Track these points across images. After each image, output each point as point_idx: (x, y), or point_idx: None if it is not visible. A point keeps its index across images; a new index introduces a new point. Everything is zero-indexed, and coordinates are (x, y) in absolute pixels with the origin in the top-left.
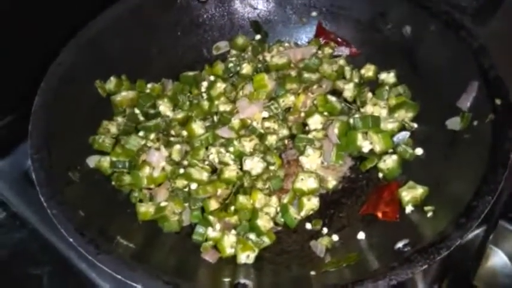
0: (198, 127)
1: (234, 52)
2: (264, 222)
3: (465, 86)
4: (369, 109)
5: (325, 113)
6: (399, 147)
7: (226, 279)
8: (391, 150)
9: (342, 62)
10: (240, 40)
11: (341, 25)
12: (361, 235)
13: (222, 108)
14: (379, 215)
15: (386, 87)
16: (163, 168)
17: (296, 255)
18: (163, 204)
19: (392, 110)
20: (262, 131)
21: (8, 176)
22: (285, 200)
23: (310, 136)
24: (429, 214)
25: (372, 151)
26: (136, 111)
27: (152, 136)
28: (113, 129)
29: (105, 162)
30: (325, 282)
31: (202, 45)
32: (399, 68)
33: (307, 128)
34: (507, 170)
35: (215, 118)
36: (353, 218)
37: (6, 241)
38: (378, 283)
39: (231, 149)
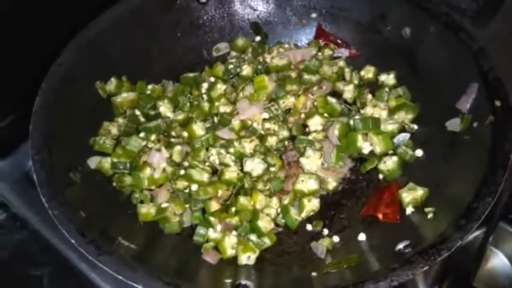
0: (198, 128)
1: (234, 53)
2: (264, 224)
3: (465, 88)
4: (369, 110)
5: (325, 115)
6: (399, 149)
7: (227, 280)
8: (391, 152)
9: (341, 63)
10: (240, 41)
11: (341, 27)
12: (361, 236)
13: (222, 109)
14: (380, 216)
15: (386, 89)
16: (164, 169)
17: (297, 256)
18: (164, 205)
19: (392, 112)
20: (262, 132)
21: (8, 177)
22: (286, 201)
23: (310, 137)
24: (429, 215)
25: (372, 152)
26: (137, 112)
27: (153, 137)
28: (114, 130)
29: (106, 163)
30: (326, 283)
31: (202, 46)
32: (399, 69)
33: (307, 129)
34: (507, 172)
35: (215, 119)
36: (353, 219)
37: (6, 242)
38: (379, 284)
39: (232, 150)
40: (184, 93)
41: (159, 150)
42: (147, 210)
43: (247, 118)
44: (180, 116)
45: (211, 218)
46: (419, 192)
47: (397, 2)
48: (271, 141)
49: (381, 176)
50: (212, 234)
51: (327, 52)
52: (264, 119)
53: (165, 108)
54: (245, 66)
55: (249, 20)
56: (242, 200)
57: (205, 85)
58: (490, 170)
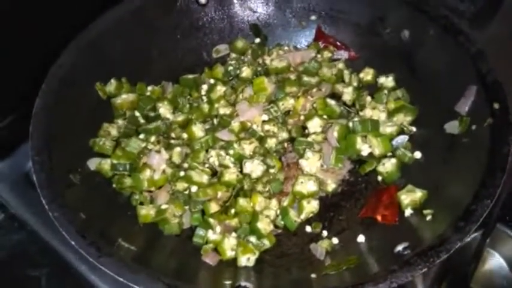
0: (198, 130)
1: (233, 55)
2: (264, 225)
3: (463, 90)
4: (368, 113)
5: (325, 116)
6: (398, 151)
7: (227, 282)
8: (390, 154)
9: (341, 65)
10: (240, 43)
11: (340, 29)
12: (360, 238)
13: (222, 111)
14: (379, 218)
15: (385, 91)
16: (163, 171)
17: (296, 258)
18: (163, 206)
19: (391, 114)
20: (262, 134)
21: (7, 178)
22: (285, 203)
23: (309, 139)
24: (428, 217)
25: (371, 154)
26: (137, 113)
27: (153, 139)
28: (114, 132)
29: (106, 164)
30: (326, 285)
31: (202, 48)
32: (398, 72)
33: (306, 131)
34: (505, 174)
35: (215, 121)
36: (353, 221)
37: (4, 243)
38: (378, 286)
39: (231, 151)
40: (184, 95)
41: (158, 151)
42: (146, 212)
43: (247, 120)
44: (180, 118)
45: (211, 220)
46: (418, 194)
47: (396, 4)
48: (271, 143)
49: (379, 178)
50: (212, 235)
51: (326, 54)
52: (264, 121)
53: (164, 110)
54: (245, 68)
55: (249, 22)
56: (241, 201)
57: (205, 87)
58: (488, 172)
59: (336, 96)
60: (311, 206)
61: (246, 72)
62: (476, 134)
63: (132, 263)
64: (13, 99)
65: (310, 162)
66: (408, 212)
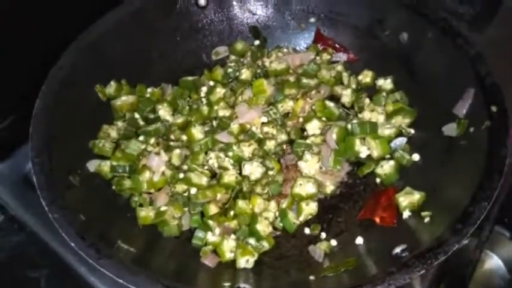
0: (197, 132)
1: (233, 57)
2: (263, 227)
3: (462, 93)
4: (366, 115)
5: (324, 119)
6: (396, 153)
7: (226, 284)
8: (388, 156)
9: (339, 68)
10: (239, 45)
11: (339, 31)
12: (359, 240)
13: (221, 113)
14: (377, 220)
15: (384, 93)
16: (163, 173)
17: (295, 260)
18: (163, 208)
19: (389, 116)
20: (261, 136)
21: (7, 179)
22: (284, 205)
23: (308, 141)
24: (426, 219)
25: (369, 156)
26: (136, 115)
27: (152, 141)
28: (113, 134)
29: (106, 166)
30: (324, 287)
31: (201, 50)
32: (396, 74)
33: (305, 133)
34: (503, 177)
35: (214, 123)
36: (351, 223)
37: (4, 244)
38: None
39: (230, 153)
40: (184, 97)
41: (158, 153)
42: (146, 214)
43: (246, 122)
44: (179, 120)
45: (210, 222)
46: (416, 196)
47: (395, 7)
48: (270, 145)
49: (378, 180)
50: (211, 237)
51: (325, 56)
52: (263, 123)
53: (164, 112)
54: (244, 70)
55: (248, 24)
56: (241, 203)
57: (204, 89)
58: (486, 174)
59: (335, 98)
60: (310, 208)
61: (245, 74)
62: (474, 137)
63: (131, 264)
64: (13, 100)
65: (309, 164)
66: (406, 214)
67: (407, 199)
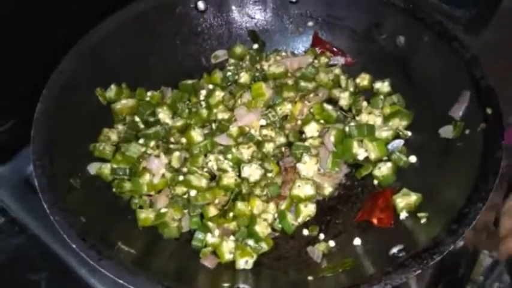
0: (197, 134)
1: (232, 61)
2: (262, 228)
3: (457, 96)
4: (364, 117)
5: (322, 121)
6: (393, 155)
7: (225, 284)
8: (385, 158)
9: (337, 71)
10: (238, 49)
11: (337, 35)
12: (357, 241)
13: (220, 116)
14: (375, 221)
15: (381, 96)
16: (163, 175)
17: (293, 261)
18: (163, 210)
19: (386, 119)
20: (260, 138)
21: (8, 182)
22: (283, 207)
23: (306, 144)
24: (423, 220)
25: (367, 159)
26: (137, 119)
27: (152, 143)
28: (114, 137)
29: (106, 169)
30: (322, 287)
31: (200, 53)
32: (393, 77)
33: (303, 135)
34: (498, 178)
35: (214, 126)
36: (349, 224)
37: (4, 247)
38: (373, 287)
39: (230, 156)
40: (183, 100)
41: (158, 156)
42: (146, 216)
43: (245, 125)
44: (179, 123)
45: (210, 223)
46: (413, 197)
47: (391, 11)
48: (269, 147)
49: (375, 182)
50: (210, 239)
51: (323, 60)
52: (262, 126)
53: (164, 115)
54: (243, 73)
55: (247, 28)
56: (240, 205)
57: (203, 92)
58: (481, 176)
59: (333, 101)
60: (308, 210)
61: (244, 77)
62: (469, 139)
63: (132, 266)
64: (14, 103)
65: (308, 166)
66: (403, 215)
67: (404, 200)
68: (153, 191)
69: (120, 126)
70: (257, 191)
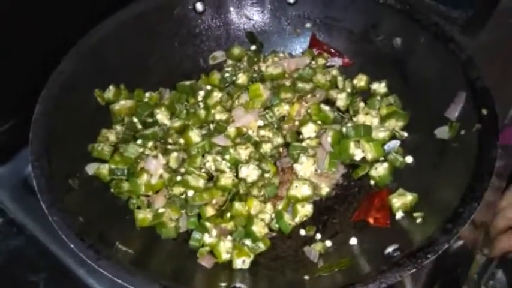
0: (194, 135)
1: (230, 62)
2: (259, 228)
3: (453, 97)
4: (360, 118)
5: (319, 122)
6: (390, 156)
7: (222, 284)
8: (382, 158)
9: (335, 72)
10: (236, 50)
11: (334, 36)
12: (353, 241)
13: (218, 117)
14: (371, 221)
15: (378, 97)
16: (161, 176)
17: (290, 261)
18: (160, 210)
19: (383, 119)
20: (257, 139)
21: (7, 183)
22: (280, 207)
23: (304, 144)
24: (418, 220)
25: (363, 159)
26: (135, 119)
27: (150, 144)
28: (112, 138)
29: (104, 169)
30: (318, 286)
31: (199, 55)
32: (390, 78)
33: (301, 136)
34: (492, 178)
35: (211, 126)
36: (345, 224)
37: (2, 247)
38: (368, 286)
39: (227, 156)
40: (181, 101)
41: (156, 156)
42: (144, 216)
43: (243, 125)
44: (177, 123)
45: (207, 223)
46: (409, 197)
47: (388, 12)
48: (266, 148)
49: (372, 182)
50: (208, 239)
51: (321, 61)
52: (259, 126)
53: (162, 116)
54: (241, 74)
55: (245, 30)
56: (237, 205)
57: (201, 93)
58: (476, 176)
59: (330, 102)
60: (305, 210)
61: (242, 78)
62: (465, 139)
63: (130, 265)
64: (14, 104)
65: (305, 167)
66: (399, 215)
67: (400, 200)
68: (151, 192)
69: (118, 127)
70: (254, 192)
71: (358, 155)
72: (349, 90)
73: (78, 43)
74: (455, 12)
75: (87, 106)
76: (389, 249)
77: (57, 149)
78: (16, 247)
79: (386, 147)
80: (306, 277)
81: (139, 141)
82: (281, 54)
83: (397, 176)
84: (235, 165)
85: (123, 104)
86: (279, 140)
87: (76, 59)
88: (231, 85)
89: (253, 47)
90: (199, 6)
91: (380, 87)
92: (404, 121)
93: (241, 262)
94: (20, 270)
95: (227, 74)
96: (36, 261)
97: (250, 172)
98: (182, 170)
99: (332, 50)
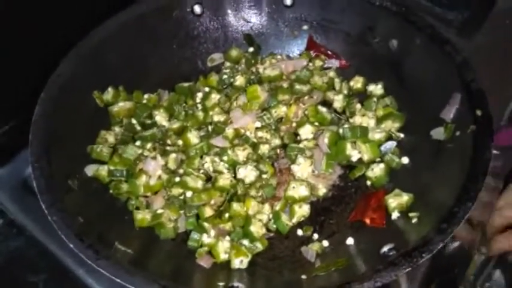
0: (193, 137)
1: (228, 64)
2: (256, 229)
3: (448, 98)
4: (357, 119)
5: (316, 123)
6: (386, 156)
7: (221, 283)
8: (378, 159)
9: (332, 74)
10: (234, 52)
11: (331, 38)
12: (349, 241)
13: (216, 118)
14: (367, 221)
15: (374, 99)
16: (159, 177)
17: (288, 261)
18: (159, 211)
19: (379, 121)
20: (255, 140)
21: (7, 184)
22: (277, 207)
23: (301, 145)
24: (414, 220)
25: (360, 160)
26: (133, 121)
27: (149, 145)
28: (111, 139)
29: (103, 171)
30: (315, 285)
31: (197, 57)
32: (386, 80)
33: (298, 137)
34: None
35: (210, 128)
36: (342, 225)
37: (2, 248)
38: (364, 285)
39: (225, 158)
40: (180, 103)
41: (154, 158)
42: (143, 216)
43: (241, 127)
44: (175, 125)
45: (205, 224)
46: (405, 198)
47: (385, 14)
48: (264, 149)
49: (368, 183)
50: (206, 239)
51: (318, 63)
52: (257, 128)
53: (160, 117)
54: (238, 76)
55: (243, 32)
56: (235, 206)
57: (199, 95)
58: (470, 176)
59: (327, 103)
60: (302, 210)
61: (239, 80)
62: (460, 140)
63: (129, 265)
64: (13, 105)
65: (302, 168)
66: (395, 215)
67: (396, 201)
68: (149, 192)
69: (117, 129)
70: (252, 192)
71: (354, 156)
72: (346, 91)
73: (77, 45)
74: (451, 14)
75: (86, 108)
76: (385, 249)
77: (56, 150)
78: (16, 248)
79: (382, 148)
80: (303, 276)
81: (138, 143)
82: (279, 56)
83: (393, 177)
84: (233, 166)
85: (122, 105)
86: (277, 141)
87: (75, 61)
88: (229, 87)
89: (251, 49)
90: (197, 9)
91: (376, 89)
92: (401, 122)
93: (239, 262)
94: (19, 271)
95: (225, 76)
96: (36, 262)
97: (248, 173)
98: (181, 171)
99: (329, 52)
